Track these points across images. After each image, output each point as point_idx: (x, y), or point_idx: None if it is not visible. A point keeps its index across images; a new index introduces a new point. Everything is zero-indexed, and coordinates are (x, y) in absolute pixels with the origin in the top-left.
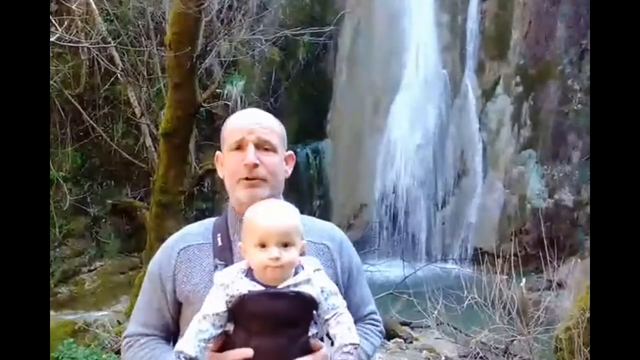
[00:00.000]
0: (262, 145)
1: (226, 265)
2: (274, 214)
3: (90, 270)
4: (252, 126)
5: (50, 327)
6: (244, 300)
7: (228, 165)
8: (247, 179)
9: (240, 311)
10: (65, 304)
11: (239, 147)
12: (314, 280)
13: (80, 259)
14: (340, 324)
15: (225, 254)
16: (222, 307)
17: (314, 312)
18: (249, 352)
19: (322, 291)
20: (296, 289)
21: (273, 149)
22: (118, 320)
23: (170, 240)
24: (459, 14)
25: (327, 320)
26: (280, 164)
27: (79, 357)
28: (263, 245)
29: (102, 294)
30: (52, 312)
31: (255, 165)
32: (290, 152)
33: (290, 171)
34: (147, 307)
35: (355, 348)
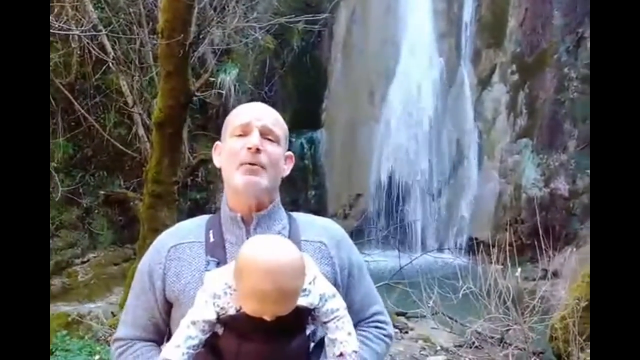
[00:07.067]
0: (267, 135)
1: (218, 264)
2: (276, 291)
3: (83, 262)
4: (260, 112)
5: None
6: (235, 317)
7: (228, 149)
8: (247, 163)
9: (231, 321)
10: (58, 295)
11: (243, 132)
12: (311, 291)
13: (73, 251)
14: (339, 330)
15: (217, 251)
16: (212, 315)
17: (311, 314)
18: None
19: (320, 298)
20: None
21: (277, 141)
22: (112, 312)
23: (161, 237)
24: (455, 2)
25: (325, 323)
26: (281, 158)
27: (73, 349)
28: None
29: (95, 286)
30: None
31: (259, 151)
32: (290, 152)
33: (288, 171)
34: (136, 307)
35: (355, 352)
